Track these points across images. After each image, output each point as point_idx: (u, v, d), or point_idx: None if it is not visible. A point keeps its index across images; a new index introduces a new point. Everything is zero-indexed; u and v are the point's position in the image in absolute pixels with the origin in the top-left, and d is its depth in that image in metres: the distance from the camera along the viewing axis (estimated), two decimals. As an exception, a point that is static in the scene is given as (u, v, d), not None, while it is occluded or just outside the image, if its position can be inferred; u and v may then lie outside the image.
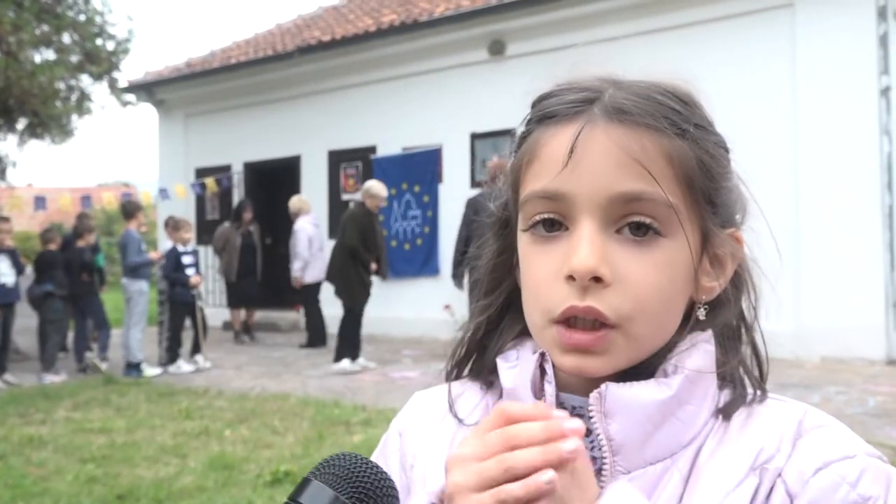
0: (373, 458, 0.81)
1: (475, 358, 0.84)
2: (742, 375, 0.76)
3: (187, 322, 9.73)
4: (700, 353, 0.72)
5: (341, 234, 8.73)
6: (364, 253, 8.53)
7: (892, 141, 8.92)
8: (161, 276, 9.69)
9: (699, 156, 0.69)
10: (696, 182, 0.69)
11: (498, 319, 0.82)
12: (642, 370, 0.71)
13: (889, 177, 8.84)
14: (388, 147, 12.20)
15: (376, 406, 6.82)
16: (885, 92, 8.82)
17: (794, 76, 9.13)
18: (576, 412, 0.73)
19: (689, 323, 0.74)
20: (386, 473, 0.58)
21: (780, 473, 0.67)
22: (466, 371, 0.85)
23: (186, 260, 9.50)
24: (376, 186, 8.76)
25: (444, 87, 11.38)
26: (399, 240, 12.04)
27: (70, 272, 9.51)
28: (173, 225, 9.74)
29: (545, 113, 0.71)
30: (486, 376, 0.82)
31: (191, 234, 9.72)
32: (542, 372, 0.74)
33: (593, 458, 0.68)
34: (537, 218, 0.70)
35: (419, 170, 11.68)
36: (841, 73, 8.87)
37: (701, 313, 0.74)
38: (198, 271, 9.73)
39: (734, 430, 0.72)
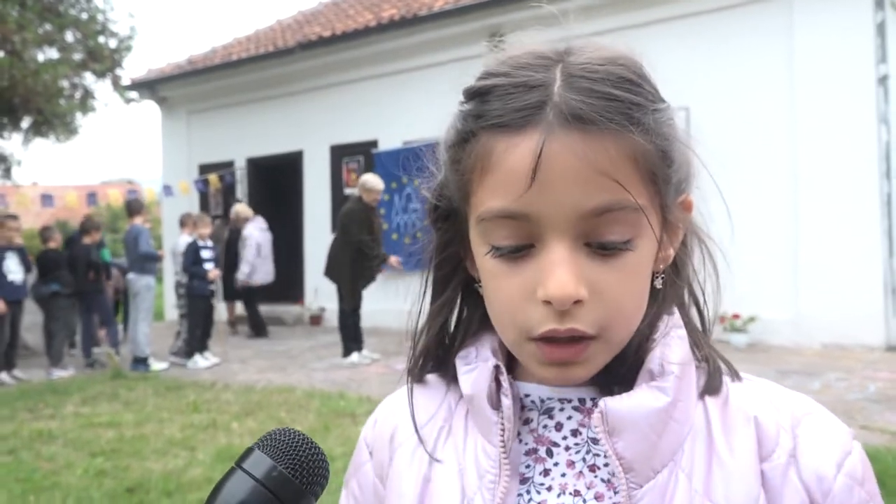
0: (349, 467, 0.84)
1: (438, 355, 0.79)
2: (711, 350, 0.74)
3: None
4: (679, 342, 0.69)
5: (342, 232, 8.67)
6: (372, 246, 8.49)
7: (889, 130, 8.89)
8: (178, 271, 9.71)
9: (658, 144, 0.64)
10: (658, 172, 0.65)
11: (458, 314, 0.78)
12: (624, 357, 0.69)
13: (887, 165, 8.82)
14: (389, 141, 12.20)
15: (381, 397, 6.78)
16: (882, 80, 8.79)
17: (791, 65, 9.10)
18: (545, 405, 0.72)
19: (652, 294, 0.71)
20: (322, 452, 0.61)
21: (796, 469, 0.67)
22: (427, 370, 0.81)
23: (205, 254, 9.54)
24: (372, 180, 8.64)
25: (443, 81, 11.21)
26: (400, 233, 12.04)
27: (76, 270, 9.52)
28: (192, 221, 9.76)
29: (493, 123, 0.64)
30: (450, 371, 0.78)
31: (209, 229, 9.76)
32: (500, 383, 0.71)
33: (602, 481, 0.68)
34: (504, 244, 0.65)
35: (419, 164, 11.64)
36: (839, 61, 8.85)
37: (658, 282, 0.70)
38: (216, 265, 9.77)
39: (733, 418, 0.70)
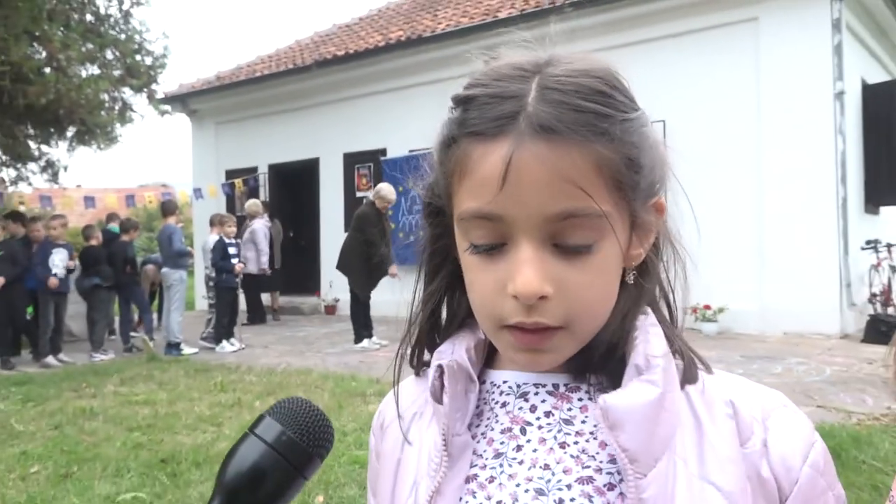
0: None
1: (430, 342, 0.78)
2: (683, 344, 0.72)
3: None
4: (657, 338, 0.68)
5: (355, 231, 8.69)
6: (382, 248, 8.50)
7: (845, 140, 8.88)
8: (208, 266, 9.71)
9: (625, 152, 0.63)
10: (624, 179, 0.63)
11: (448, 303, 0.77)
12: (595, 347, 0.68)
13: (843, 172, 8.81)
14: (396, 149, 12.18)
15: (388, 379, 6.79)
16: (839, 96, 8.78)
17: (758, 82, 9.09)
18: (521, 389, 0.72)
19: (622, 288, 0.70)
20: (327, 419, 0.62)
21: (766, 459, 0.66)
22: (422, 355, 0.80)
23: (231, 251, 9.55)
24: (385, 189, 8.70)
25: (445, 96, 11.24)
26: (406, 231, 12.03)
27: (115, 264, 9.53)
28: (219, 220, 9.78)
29: (471, 130, 0.63)
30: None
31: (234, 228, 9.78)
32: (443, 383, 0.71)
33: (571, 457, 0.67)
34: (480, 242, 0.65)
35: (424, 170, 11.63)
36: (800, 78, 8.84)
37: (630, 278, 0.69)
38: (240, 260, 9.78)
39: (713, 404, 0.68)
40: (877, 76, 10.48)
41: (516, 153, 0.60)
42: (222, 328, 9.43)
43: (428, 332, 0.77)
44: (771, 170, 8.99)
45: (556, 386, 0.71)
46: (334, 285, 12.85)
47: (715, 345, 8.09)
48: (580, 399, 0.70)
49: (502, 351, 0.69)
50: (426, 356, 0.79)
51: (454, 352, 0.72)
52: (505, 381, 0.73)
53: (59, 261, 8.90)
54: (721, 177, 8.81)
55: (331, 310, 12.90)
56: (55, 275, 8.79)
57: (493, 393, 0.73)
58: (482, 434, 0.71)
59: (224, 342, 9.36)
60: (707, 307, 8.88)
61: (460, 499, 0.67)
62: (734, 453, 0.65)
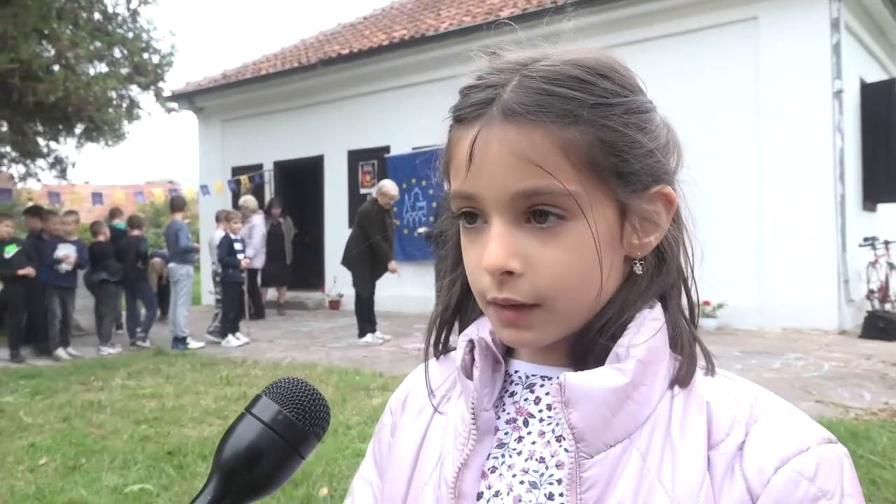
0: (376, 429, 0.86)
1: (448, 331, 0.79)
2: (690, 344, 0.70)
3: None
4: (649, 332, 0.66)
5: (358, 227, 8.68)
6: (384, 246, 8.51)
7: (844, 138, 8.87)
8: (215, 261, 9.71)
9: (599, 135, 0.63)
10: (600, 162, 0.63)
11: (467, 292, 0.76)
12: (592, 337, 0.67)
13: (841, 169, 8.80)
14: (399, 147, 12.18)
15: (392, 373, 6.84)
16: (837, 94, 8.76)
17: (757, 80, 9.07)
18: (529, 380, 0.72)
19: (634, 279, 0.69)
20: (323, 399, 0.61)
21: (740, 462, 0.63)
22: (445, 345, 0.80)
23: (237, 246, 9.56)
24: (388, 186, 8.68)
25: (448, 94, 11.19)
26: (409, 227, 12.03)
27: (126, 260, 9.54)
28: (225, 216, 9.77)
29: (454, 116, 0.68)
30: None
31: (240, 224, 9.78)
32: (473, 357, 0.72)
33: (566, 451, 0.65)
34: (465, 220, 0.68)
35: (427, 168, 11.61)
36: (799, 77, 8.82)
37: (638, 268, 0.69)
38: (245, 256, 9.79)
39: (690, 406, 0.66)
40: (875, 75, 10.45)
41: (481, 134, 0.63)
42: (228, 323, 9.44)
43: (451, 316, 0.78)
44: (770, 167, 8.97)
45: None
46: (338, 281, 12.88)
47: (714, 340, 8.08)
48: None
49: (494, 328, 0.70)
50: (449, 344, 0.80)
51: (479, 331, 0.73)
52: (517, 371, 0.73)
53: (63, 255, 8.92)
54: (720, 174, 8.80)
55: (335, 305, 12.92)
56: (64, 268, 8.85)
57: (506, 382, 0.74)
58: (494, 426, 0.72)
59: (230, 336, 9.37)
60: (706, 303, 8.87)
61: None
62: (695, 457, 0.63)
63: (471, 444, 0.69)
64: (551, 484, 0.66)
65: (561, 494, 0.65)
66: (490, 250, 0.63)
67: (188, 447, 4.72)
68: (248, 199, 11.88)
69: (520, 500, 0.66)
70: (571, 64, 0.65)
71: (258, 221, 11.63)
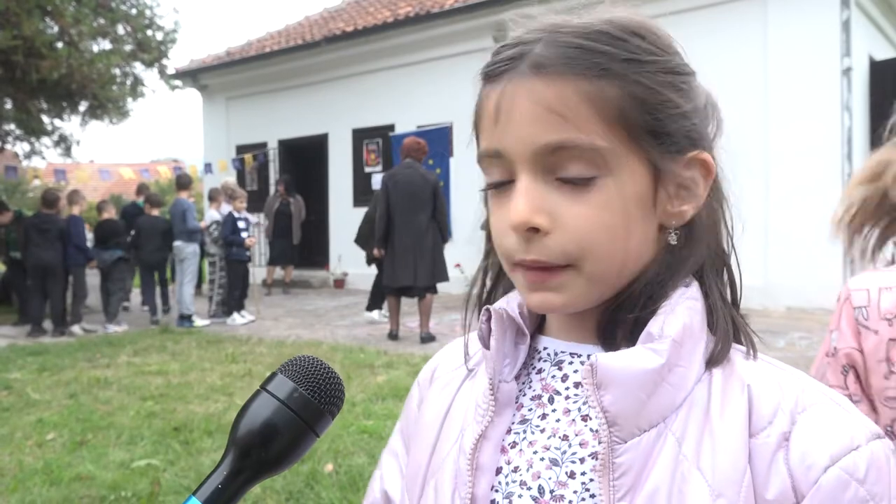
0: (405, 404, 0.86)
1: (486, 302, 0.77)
2: (726, 323, 0.67)
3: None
4: (685, 311, 0.63)
5: (370, 207, 8.66)
6: (378, 227, 8.48)
7: (852, 116, 8.80)
8: (213, 240, 9.72)
9: (631, 90, 0.61)
10: (631, 118, 0.61)
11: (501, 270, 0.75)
12: (623, 311, 0.65)
13: (849, 148, 8.74)
14: (404, 125, 12.13)
15: (396, 351, 6.87)
16: (846, 72, 8.68)
17: (765, 58, 9.00)
18: (557, 357, 0.70)
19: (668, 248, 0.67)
20: (338, 377, 0.61)
21: (785, 454, 0.59)
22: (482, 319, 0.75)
23: (241, 224, 9.57)
24: None
25: (454, 72, 11.23)
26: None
27: (148, 240, 9.58)
28: (230, 194, 9.77)
29: (484, 72, 0.66)
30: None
31: (244, 204, 9.79)
32: (490, 327, 0.71)
33: (591, 430, 0.64)
34: (489, 180, 0.66)
35: (432, 145, 11.56)
36: (807, 55, 8.74)
37: (672, 238, 0.66)
38: (250, 234, 9.81)
39: (730, 388, 0.63)
40: (884, 53, 10.34)
41: (507, 88, 0.62)
42: (234, 300, 9.48)
43: (487, 291, 0.77)
44: (777, 146, 8.92)
45: (590, 357, 0.68)
46: (343, 259, 12.90)
47: (718, 320, 8.10)
48: None
49: (520, 293, 0.69)
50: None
51: (508, 303, 0.72)
52: (545, 348, 0.71)
53: (87, 235, 9.05)
54: (727, 151, 8.75)
55: (339, 284, 12.95)
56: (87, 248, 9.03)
57: (534, 358, 0.72)
58: (514, 399, 0.70)
59: (235, 314, 9.41)
60: (711, 282, 8.87)
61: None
62: (736, 443, 0.59)
63: (489, 416, 0.67)
64: (573, 462, 0.64)
65: (583, 473, 0.63)
66: (516, 205, 0.62)
67: (194, 423, 4.76)
68: (233, 181, 11.62)
69: (538, 477, 0.65)
70: (605, 21, 0.64)
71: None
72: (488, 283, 0.77)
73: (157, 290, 10.19)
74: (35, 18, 10.13)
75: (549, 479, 0.64)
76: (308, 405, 0.58)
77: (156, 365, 6.72)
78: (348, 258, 12.69)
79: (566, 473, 0.64)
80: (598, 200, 0.61)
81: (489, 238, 0.73)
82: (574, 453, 0.64)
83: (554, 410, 0.68)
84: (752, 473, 0.59)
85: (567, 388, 0.68)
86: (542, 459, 0.65)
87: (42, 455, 4.27)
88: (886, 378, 0.97)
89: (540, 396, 0.69)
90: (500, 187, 0.65)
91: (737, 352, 0.66)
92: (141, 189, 11.22)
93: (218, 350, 7.37)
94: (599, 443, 0.61)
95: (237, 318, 9.37)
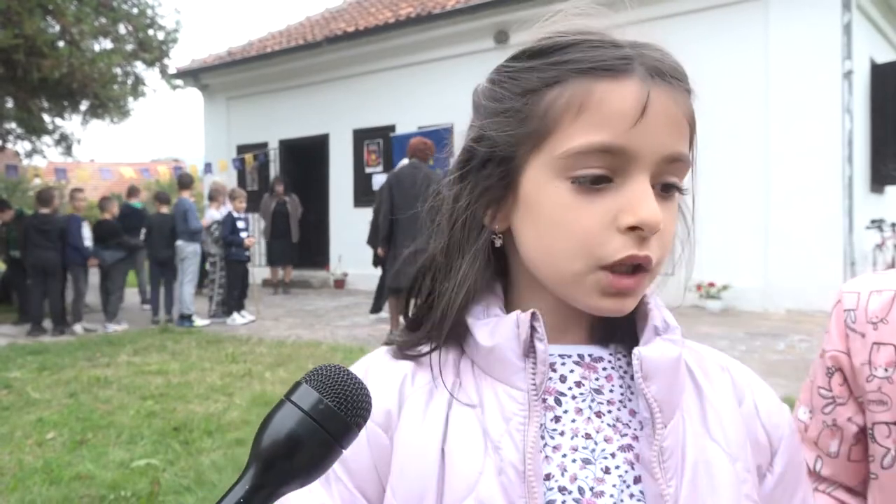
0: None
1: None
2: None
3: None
4: (661, 305, 0.72)
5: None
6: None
7: (853, 119, 8.80)
8: (213, 241, 9.73)
9: (693, 115, 0.68)
10: (692, 141, 0.68)
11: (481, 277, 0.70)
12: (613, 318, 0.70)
13: (850, 150, 8.74)
14: (405, 126, 12.13)
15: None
16: (847, 75, 8.68)
17: (766, 60, 9.00)
18: (548, 360, 0.68)
19: None
20: (365, 387, 0.57)
21: (758, 419, 0.73)
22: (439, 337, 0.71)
23: (240, 224, 9.59)
24: None
25: (455, 73, 11.25)
26: (416, 207, 12.01)
27: (158, 238, 9.61)
28: (230, 194, 9.80)
29: (591, 67, 0.63)
30: (447, 337, 0.71)
31: (244, 204, 9.80)
32: (532, 330, 0.66)
33: (608, 425, 0.68)
34: (591, 172, 0.62)
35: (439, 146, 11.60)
36: (809, 57, 8.74)
37: None
38: (249, 234, 9.82)
39: (710, 369, 0.74)
40: (885, 56, 10.35)
41: (652, 91, 0.62)
42: (233, 301, 9.49)
43: (460, 308, 0.70)
44: (778, 148, 8.92)
45: (581, 356, 0.71)
46: (343, 260, 12.90)
47: (718, 322, 8.09)
48: (604, 369, 0.71)
49: (582, 298, 0.66)
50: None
51: (488, 312, 0.69)
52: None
53: (86, 234, 9.04)
54: (728, 154, 8.75)
55: (339, 284, 12.95)
56: (87, 247, 9.00)
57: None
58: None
59: (235, 314, 9.41)
60: (711, 284, 8.86)
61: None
62: (733, 413, 0.71)
63: (534, 424, 0.65)
64: (605, 458, 0.66)
65: (617, 467, 0.65)
66: (650, 206, 0.62)
67: (194, 423, 4.76)
68: (222, 183, 11.55)
69: (575, 479, 0.65)
70: (661, 48, 0.68)
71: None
72: (462, 289, 0.69)
73: (161, 289, 10.18)
74: (36, 17, 10.14)
75: (587, 478, 0.65)
76: (333, 417, 0.55)
77: (156, 364, 6.71)
78: (348, 258, 12.71)
79: (602, 470, 0.65)
80: (673, 210, 0.67)
81: (474, 230, 0.69)
82: (603, 450, 0.66)
83: (566, 412, 0.68)
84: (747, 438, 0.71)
85: (570, 389, 0.69)
86: (575, 461, 0.66)
87: (42, 454, 4.27)
88: (868, 381, 0.98)
89: (544, 400, 0.68)
90: (596, 183, 0.63)
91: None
92: (131, 192, 11.20)
93: (218, 350, 7.37)
94: (622, 435, 0.67)
95: (237, 318, 9.37)
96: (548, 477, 0.65)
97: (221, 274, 9.71)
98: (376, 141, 12.92)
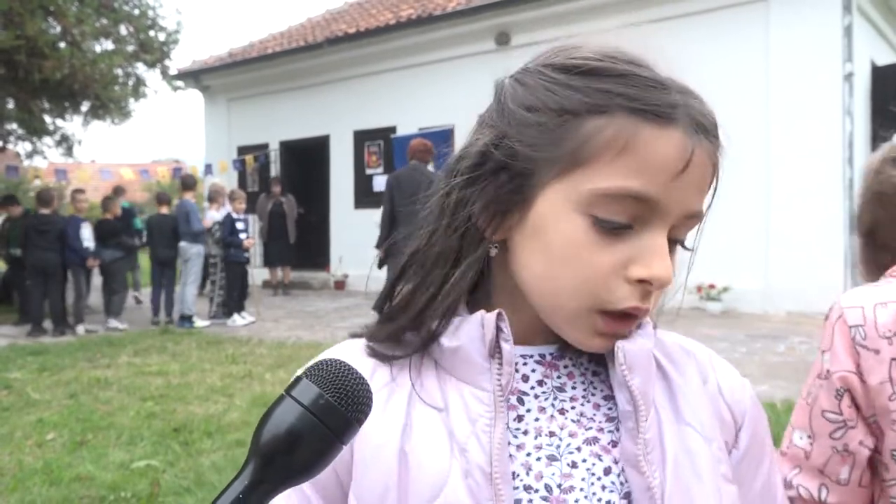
0: None
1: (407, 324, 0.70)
2: None
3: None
4: None
5: None
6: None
7: (853, 121, 8.80)
8: (214, 242, 9.74)
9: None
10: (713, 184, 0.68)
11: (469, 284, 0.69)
12: None
13: (850, 153, 8.74)
14: (406, 127, 12.12)
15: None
16: (848, 77, 8.69)
17: (767, 62, 9.00)
18: (522, 361, 0.70)
19: None
20: (366, 383, 0.57)
21: (721, 397, 0.73)
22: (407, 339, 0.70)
23: (240, 226, 9.59)
24: None
25: (455, 75, 11.25)
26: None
27: (161, 238, 9.61)
28: (229, 195, 9.81)
29: (642, 108, 0.60)
30: (409, 341, 0.70)
31: (244, 205, 9.81)
32: (498, 330, 0.66)
33: (572, 421, 0.67)
34: (616, 219, 0.61)
35: (434, 148, 11.59)
36: (809, 59, 8.74)
37: None
38: (248, 236, 9.82)
39: (675, 353, 0.75)
40: (886, 58, 10.35)
41: (697, 147, 0.61)
42: (233, 302, 9.49)
43: (447, 311, 0.68)
44: (778, 150, 8.92)
45: (542, 356, 0.71)
46: (343, 261, 12.90)
47: (719, 324, 8.09)
48: (566, 367, 0.71)
49: (574, 335, 0.65)
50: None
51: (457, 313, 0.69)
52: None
53: (87, 234, 9.03)
54: (729, 156, 8.74)
55: (340, 285, 12.94)
56: (87, 248, 8.97)
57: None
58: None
59: (235, 315, 9.41)
60: (712, 286, 8.86)
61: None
62: (700, 394, 0.72)
63: (500, 425, 0.64)
64: (571, 453, 0.66)
65: (584, 461, 0.65)
66: (665, 263, 0.62)
67: (194, 424, 4.76)
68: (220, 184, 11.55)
69: (541, 477, 0.65)
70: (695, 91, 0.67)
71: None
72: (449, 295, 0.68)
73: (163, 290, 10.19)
74: (38, 18, 10.16)
75: (553, 475, 0.65)
76: (334, 412, 0.55)
77: (156, 365, 6.71)
78: (349, 260, 12.70)
79: (569, 465, 0.65)
80: (673, 259, 0.66)
81: (472, 237, 0.67)
82: (568, 445, 0.66)
83: (529, 411, 0.68)
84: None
85: (532, 388, 0.69)
86: (539, 459, 0.65)
87: (42, 455, 4.27)
88: (891, 400, 0.92)
89: (507, 399, 0.68)
90: (616, 229, 0.61)
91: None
92: (117, 191, 11.23)
93: (218, 351, 7.37)
94: (587, 429, 0.67)
95: (237, 320, 9.37)
96: (513, 476, 0.64)
97: (222, 275, 9.72)
98: (377, 142, 12.92)
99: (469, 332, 0.67)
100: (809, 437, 1.01)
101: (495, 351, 0.66)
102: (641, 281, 0.61)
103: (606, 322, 0.63)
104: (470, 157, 0.67)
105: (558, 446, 0.66)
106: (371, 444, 0.66)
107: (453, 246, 0.68)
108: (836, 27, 8.65)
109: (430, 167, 7.27)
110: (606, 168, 0.60)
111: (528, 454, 0.66)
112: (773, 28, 8.94)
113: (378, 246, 7.85)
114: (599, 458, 0.66)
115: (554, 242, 0.63)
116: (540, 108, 0.63)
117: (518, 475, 0.64)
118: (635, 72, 0.62)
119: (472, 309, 0.69)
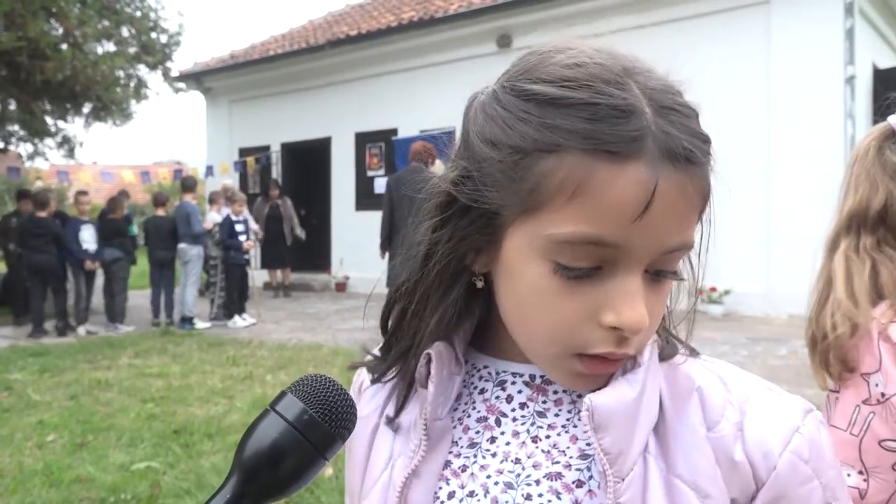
0: None
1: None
2: (670, 334, 0.69)
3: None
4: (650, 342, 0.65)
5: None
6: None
7: (855, 124, 8.80)
8: (214, 243, 9.75)
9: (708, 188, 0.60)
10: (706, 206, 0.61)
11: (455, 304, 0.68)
12: None
13: (852, 156, 8.74)
14: (407, 129, 12.13)
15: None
16: (850, 80, 8.69)
17: (769, 65, 9.01)
18: (499, 377, 0.69)
19: None
20: (350, 398, 0.58)
21: (742, 444, 0.61)
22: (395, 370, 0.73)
23: (239, 228, 9.59)
24: None
25: (457, 77, 11.25)
26: (417, 211, 12.02)
27: (159, 240, 9.62)
28: (229, 197, 9.82)
29: (594, 147, 0.54)
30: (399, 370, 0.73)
31: (244, 207, 9.81)
32: (429, 370, 0.67)
33: (542, 452, 0.65)
34: (576, 265, 0.56)
35: (435, 149, 11.60)
36: (811, 62, 8.74)
37: None
38: (248, 237, 9.82)
39: (678, 391, 0.65)
40: (888, 61, 10.35)
41: (661, 183, 0.54)
42: (234, 304, 9.49)
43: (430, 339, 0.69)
44: (780, 153, 8.92)
45: (532, 377, 0.68)
46: (344, 263, 12.91)
47: (720, 327, 8.08)
48: (555, 392, 0.67)
49: (556, 376, 0.64)
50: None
51: (445, 336, 0.68)
52: (486, 367, 0.70)
53: (88, 237, 9.03)
54: (730, 159, 8.74)
55: (341, 287, 12.94)
56: (86, 251, 8.98)
57: (474, 377, 0.71)
58: (459, 420, 0.69)
59: (236, 317, 9.41)
60: (713, 289, 8.86)
61: (438, 485, 0.66)
62: (698, 440, 0.62)
63: (421, 454, 0.66)
64: (529, 485, 0.63)
65: (540, 495, 0.62)
66: (635, 309, 0.56)
67: (194, 426, 4.76)
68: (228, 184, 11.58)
69: (496, 502, 0.64)
70: (676, 92, 0.59)
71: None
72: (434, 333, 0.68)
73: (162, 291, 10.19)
74: (40, 20, 10.17)
75: (506, 502, 0.63)
76: (317, 427, 0.55)
77: (157, 367, 6.71)
78: (350, 262, 12.70)
79: (523, 496, 0.63)
80: (663, 294, 0.61)
81: (452, 275, 0.66)
82: (528, 476, 0.64)
83: (503, 433, 0.67)
84: (718, 467, 0.61)
85: (513, 410, 0.68)
86: (497, 484, 0.64)
87: (42, 456, 4.27)
88: None
89: (486, 418, 0.68)
90: (575, 273, 0.57)
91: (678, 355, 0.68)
92: (122, 194, 11.33)
93: (219, 353, 7.37)
94: (590, 478, 0.62)
95: (238, 321, 9.37)
96: (472, 493, 0.65)
97: (222, 277, 9.72)
98: (378, 144, 12.93)
99: (419, 368, 0.68)
100: (861, 472, 0.91)
101: (426, 385, 0.67)
102: (614, 328, 0.57)
103: (586, 364, 0.60)
104: (437, 196, 0.65)
105: (518, 475, 0.64)
106: (353, 438, 0.67)
107: (435, 282, 0.67)
108: (838, 30, 8.66)
109: (437, 164, 7.27)
110: (559, 213, 0.55)
111: (489, 476, 0.65)
112: (775, 31, 8.95)
113: (381, 247, 7.86)
114: (558, 496, 0.62)
115: (521, 287, 0.60)
116: (497, 145, 0.58)
117: (475, 493, 0.65)
118: (595, 100, 0.54)
119: (488, 339, 0.71)
